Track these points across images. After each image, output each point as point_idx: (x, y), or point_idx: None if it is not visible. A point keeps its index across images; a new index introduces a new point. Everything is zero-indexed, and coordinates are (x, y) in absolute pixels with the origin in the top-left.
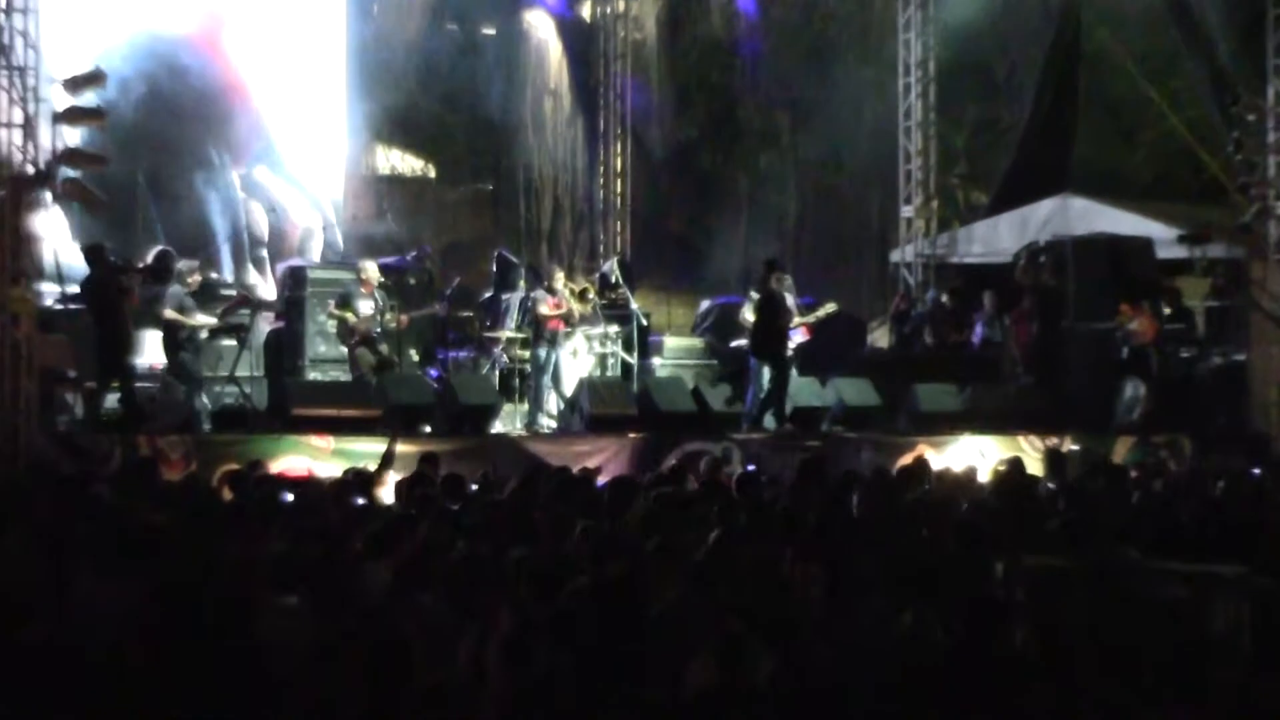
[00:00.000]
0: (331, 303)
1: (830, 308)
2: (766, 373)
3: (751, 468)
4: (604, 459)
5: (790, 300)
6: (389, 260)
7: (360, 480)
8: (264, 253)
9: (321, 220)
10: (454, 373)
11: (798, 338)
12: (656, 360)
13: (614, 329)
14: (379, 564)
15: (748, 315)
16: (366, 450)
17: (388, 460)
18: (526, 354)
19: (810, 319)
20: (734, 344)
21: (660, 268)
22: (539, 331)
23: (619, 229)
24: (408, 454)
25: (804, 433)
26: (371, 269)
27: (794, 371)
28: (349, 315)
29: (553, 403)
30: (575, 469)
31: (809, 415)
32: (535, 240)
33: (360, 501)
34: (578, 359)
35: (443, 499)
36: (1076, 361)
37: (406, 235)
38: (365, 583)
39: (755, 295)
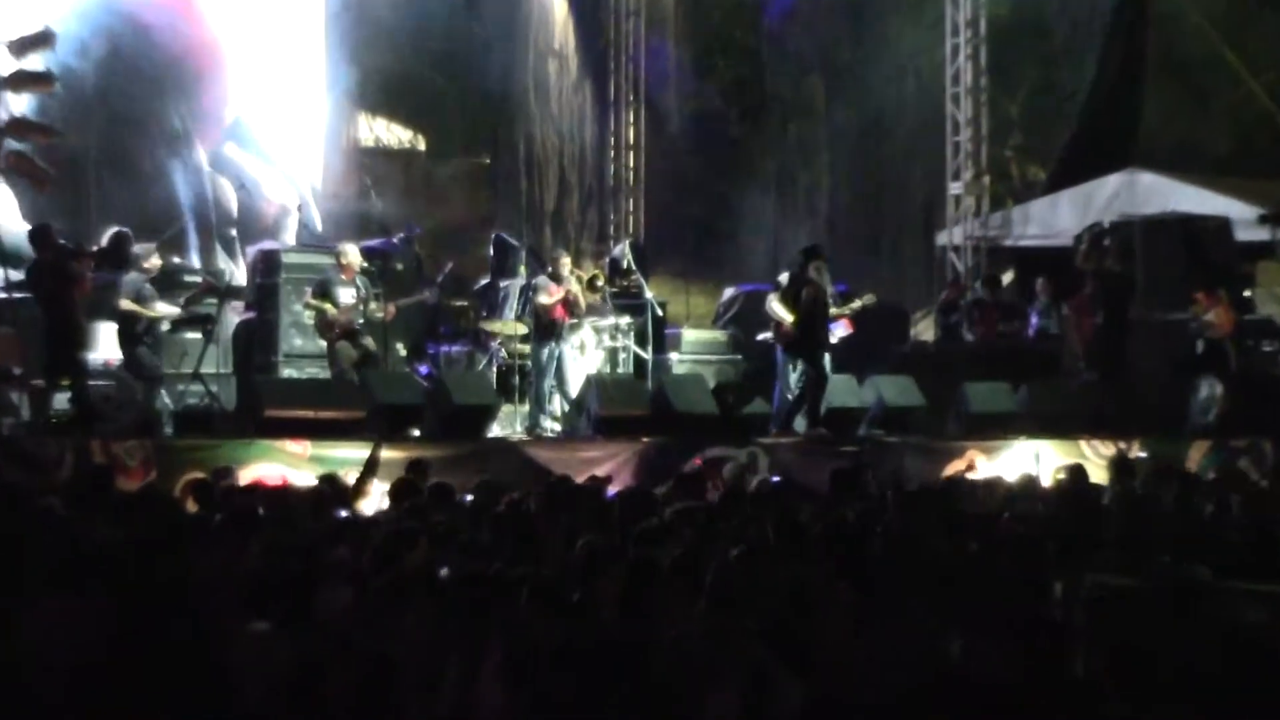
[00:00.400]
0: (308, 291)
1: (869, 298)
2: (796, 369)
3: (777, 478)
4: (614, 466)
5: (828, 290)
6: (373, 243)
7: (336, 489)
8: (233, 234)
9: (298, 198)
10: (446, 370)
11: (839, 331)
12: (673, 355)
13: (626, 320)
14: (363, 584)
15: (775, 306)
16: (348, 457)
17: (371, 468)
18: (527, 349)
19: (847, 310)
20: (760, 337)
21: (678, 252)
22: (541, 323)
23: (631, 208)
24: (394, 461)
25: (839, 437)
26: (353, 253)
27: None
28: (328, 305)
29: (557, 403)
30: (581, 478)
31: (845, 417)
32: (538, 221)
33: (343, 514)
34: (585, 354)
35: (430, 510)
36: (1145, 357)
37: (393, 215)
38: (346, 605)
39: (785, 282)
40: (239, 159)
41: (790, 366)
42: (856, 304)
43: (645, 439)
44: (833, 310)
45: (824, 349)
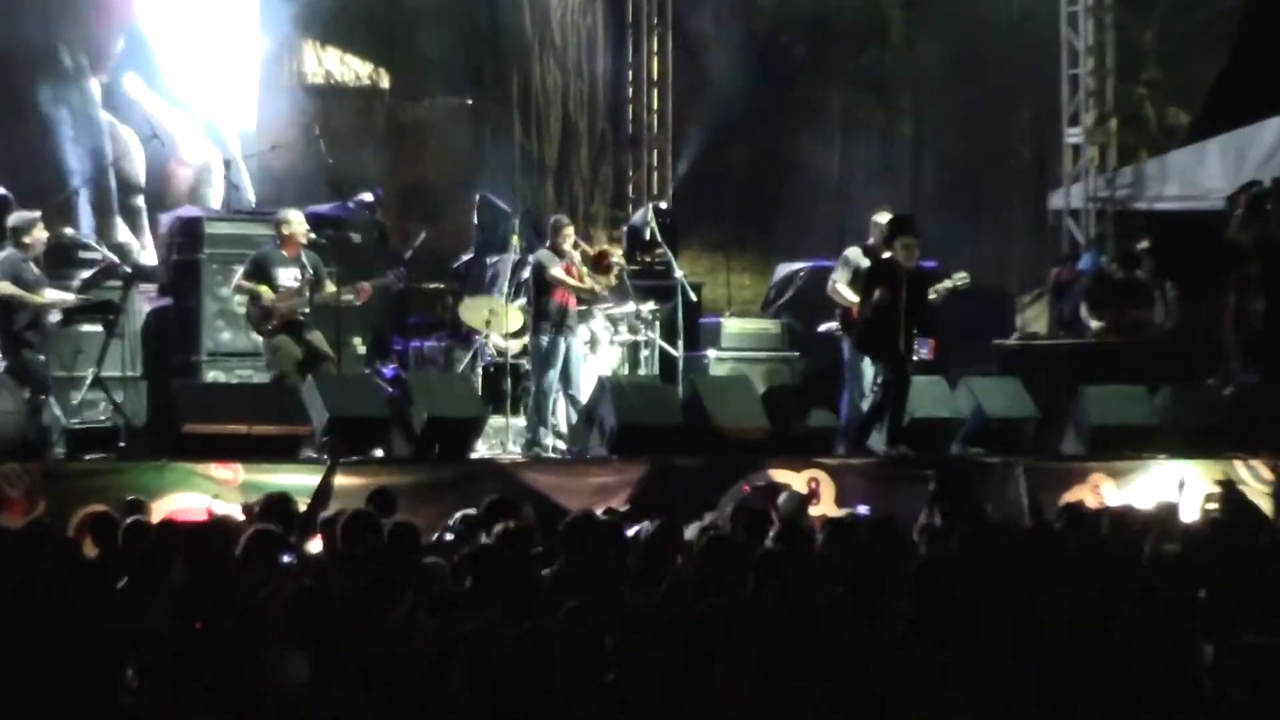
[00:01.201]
0: (239, 271)
1: (961, 278)
2: (871, 370)
3: (863, 509)
4: (634, 496)
5: (928, 277)
6: (322, 209)
7: (282, 523)
8: (140, 200)
9: (223, 152)
10: (418, 372)
11: (922, 353)
12: (711, 352)
13: (649, 307)
14: (322, 651)
15: (842, 288)
16: (291, 485)
17: (322, 498)
18: (523, 344)
19: (934, 294)
20: (823, 328)
21: (716, 218)
22: (542, 311)
23: (656, 162)
24: (351, 490)
25: (926, 457)
26: (297, 222)
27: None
28: (264, 289)
29: (561, 414)
30: (594, 510)
31: (933, 431)
32: (537, 179)
33: (286, 560)
34: (597, 351)
35: (391, 553)
36: None
37: (349, 172)
38: (285, 674)
39: (853, 257)
40: (145, 100)
41: (863, 366)
42: (946, 285)
43: (676, 460)
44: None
45: (909, 350)
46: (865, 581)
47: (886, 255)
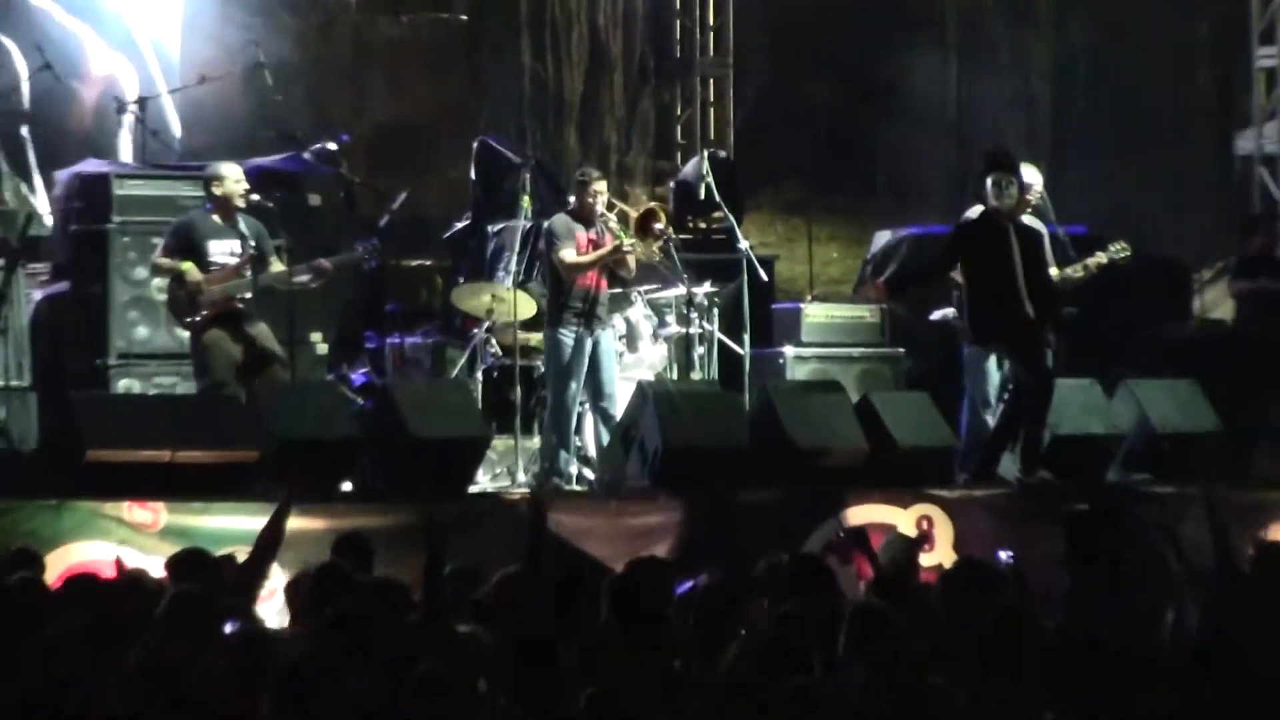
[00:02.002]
0: (160, 244)
1: (1119, 249)
2: (998, 373)
3: (1007, 555)
4: (685, 542)
5: (1042, 234)
6: (269, 161)
7: (216, 580)
8: (30, 155)
9: (136, 82)
10: (397, 378)
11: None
12: (788, 349)
13: (705, 289)
14: None
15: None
16: (230, 529)
17: (270, 545)
18: (536, 339)
19: (1081, 270)
20: (936, 315)
21: (794, 170)
22: (561, 296)
23: (713, 97)
24: (312, 536)
25: (1075, 485)
26: (233, 179)
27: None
28: (190, 267)
29: (588, 433)
30: (630, 559)
31: (1083, 451)
32: (554, 119)
33: (229, 628)
34: (637, 349)
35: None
36: None
37: (304, 113)
38: None
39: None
40: (29, 13)
41: (987, 366)
42: (1101, 259)
43: (742, 493)
44: (1062, 272)
45: (1044, 339)
46: (994, 654)
47: (991, 204)
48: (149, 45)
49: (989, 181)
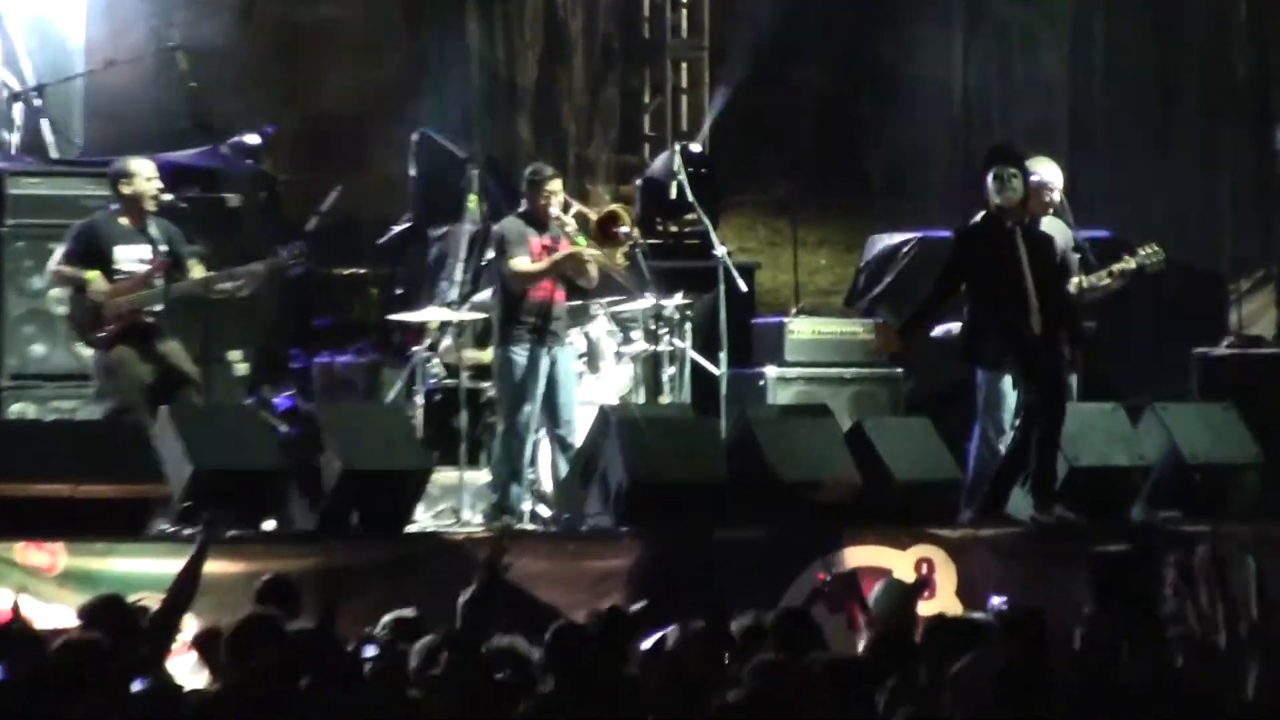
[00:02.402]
0: (57, 251)
1: (1150, 253)
2: (1012, 395)
3: (1000, 602)
4: (652, 587)
5: (1060, 238)
6: (183, 156)
7: (123, 632)
8: None
9: (31, 69)
10: (328, 401)
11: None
12: (771, 369)
13: (676, 301)
14: None
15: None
16: (136, 572)
17: (184, 591)
18: (485, 358)
19: (1106, 277)
20: (939, 330)
21: (777, 166)
22: (511, 310)
23: (685, 83)
24: (232, 581)
25: (1096, 524)
26: (143, 176)
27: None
28: (94, 276)
29: (543, 465)
30: (591, 611)
31: (1105, 485)
32: (505, 107)
33: (138, 685)
34: (598, 369)
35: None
36: None
37: (223, 103)
38: None
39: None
40: None
41: (1002, 388)
42: (1129, 263)
43: (718, 531)
44: (1085, 280)
45: (1057, 357)
46: (1003, 711)
47: (994, 200)
48: (45, 27)
49: (990, 176)
